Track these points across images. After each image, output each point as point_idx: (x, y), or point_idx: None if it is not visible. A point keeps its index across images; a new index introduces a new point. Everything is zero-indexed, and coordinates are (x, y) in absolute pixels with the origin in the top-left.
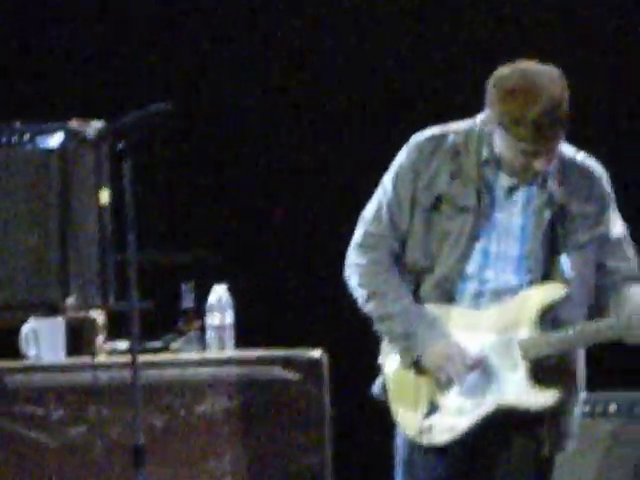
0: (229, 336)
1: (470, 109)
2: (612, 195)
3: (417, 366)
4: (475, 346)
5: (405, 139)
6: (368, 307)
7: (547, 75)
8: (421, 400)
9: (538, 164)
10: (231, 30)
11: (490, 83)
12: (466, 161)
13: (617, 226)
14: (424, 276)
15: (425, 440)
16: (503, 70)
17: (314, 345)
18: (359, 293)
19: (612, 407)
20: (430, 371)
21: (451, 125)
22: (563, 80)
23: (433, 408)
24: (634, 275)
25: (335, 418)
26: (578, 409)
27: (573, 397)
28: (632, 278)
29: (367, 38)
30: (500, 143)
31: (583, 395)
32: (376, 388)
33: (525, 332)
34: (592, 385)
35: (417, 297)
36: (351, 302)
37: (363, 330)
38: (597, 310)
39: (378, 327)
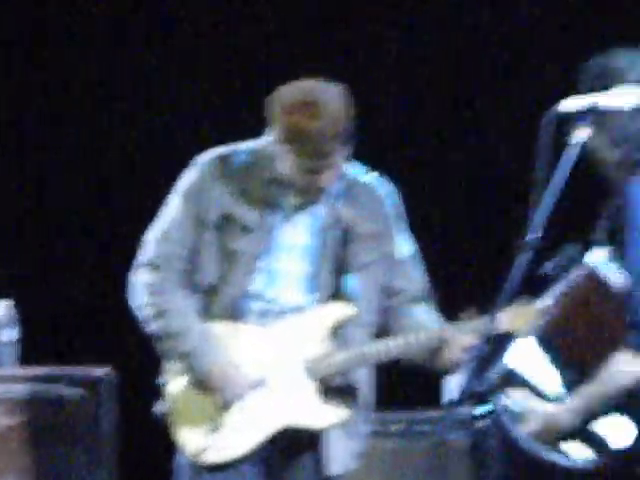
0: (13, 353)
1: None
2: (400, 215)
3: (201, 385)
4: (260, 365)
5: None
6: (153, 326)
7: (327, 91)
8: (204, 420)
9: (322, 181)
10: None
11: (271, 100)
12: (253, 180)
13: (404, 246)
14: (212, 295)
15: (203, 459)
16: (284, 87)
17: (105, 363)
18: (145, 312)
19: (394, 426)
20: (215, 386)
21: (238, 144)
22: (345, 97)
23: (214, 428)
24: (419, 296)
25: (123, 436)
26: (364, 428)
27: (358, 416)
28: (417, 299)
29: None
30: (284, 161)
31: (369, 414)
32: (158, 408)
33: (311, 351)
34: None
35: (207, 316)
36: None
37: (153, 348)
38: (383, 330)
39: (163, 346)
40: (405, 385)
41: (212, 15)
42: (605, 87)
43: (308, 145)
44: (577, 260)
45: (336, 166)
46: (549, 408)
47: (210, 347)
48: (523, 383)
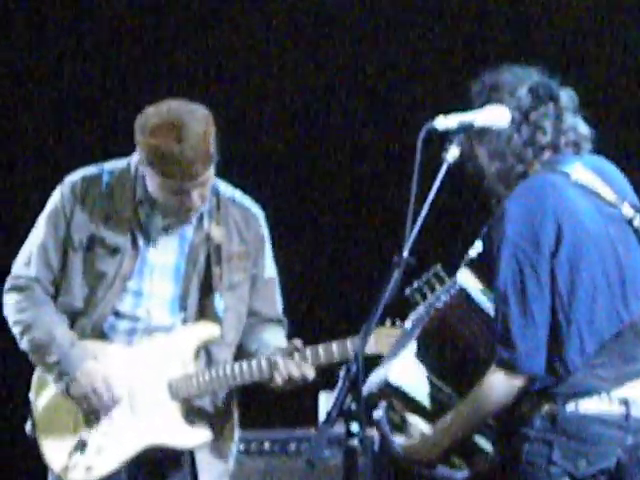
0: None
1: None
2: (268, 236)
3: (67, 396)
4: (125, 384)
5: None
6: (22, 342)
7: (191, 112)
8: (69, 436)
9: (190, 201)
10: None
11: (136, 122)
12: (120, 202)
13: (270, 268)
14: (81, 315)
15: (68, 478)
16: (149, 109)
17: None
18: (15, 331)
19: (267, 444)
20: (80, 394)
21: (106, 164)
22: (209, 117)
23: (79, 445)
24: (273, 318)
25: None
26: (233, 448)
27: (226, 436)
28: (271, 321)
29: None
30: (150, 182)
31: (237, 433)
32: (28, 426)
33: (175, 371)
34: (247, 424)
35: (75, 335)
36: None
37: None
38: (239, 351)
39: (33, 358)
40: (280, 403)
41: None
42: (496, 100)
43: (172, 167)
44: (444, 280)
45: (204, 187)
46: (424, 428)
47: (78, 355)
48: (403, 396)
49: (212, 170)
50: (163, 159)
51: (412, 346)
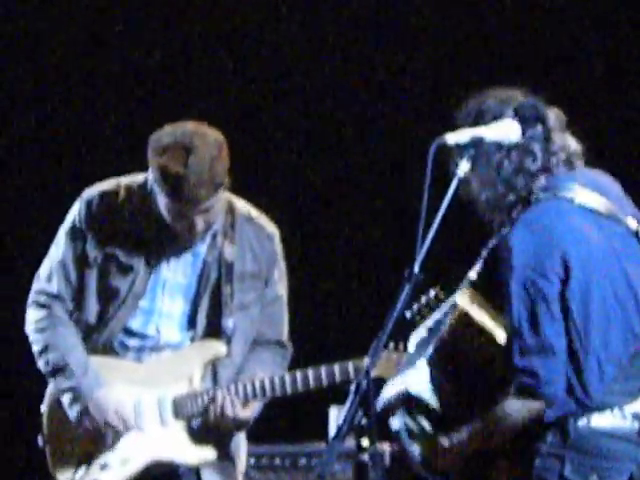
0: None
1: None
2: (281, 255)
3: (81, 419)
4: (133, 400)
5: None
6: (40, 362)
7: (203, 137)
8: (77, 452)
9: (193, 227)
10: None
11: (151, 139)
12: (135, 218)
13: (278, 287)
14: (93, 331)
15: None
16: (165, 127)
17: None
18: (34, 349)
19: (277, 459)
20: (92, 424)
21: (124, 179)
22: (222, 144)
23: (85, 460)
24: (272, 339)
25: None
26: (240, 464)
27: (233, 453)
28: (271, 342)
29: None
30: (160, 202)
31: (244, 449)
32: (40, 438)
33: (183, 388)
34: (258, 438)
35: (88, 351)
36: None
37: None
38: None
39: (49, 380)
40: (291, 418)
41: None
42: (483, 124)
43: (175, 190)
44: (444, 301)
45: (208, 213)
46: (440, 439)
47: (89, 385)
48: (423, 405)
49: (219, 196)
50: (168, 181)
51: (423, 362)
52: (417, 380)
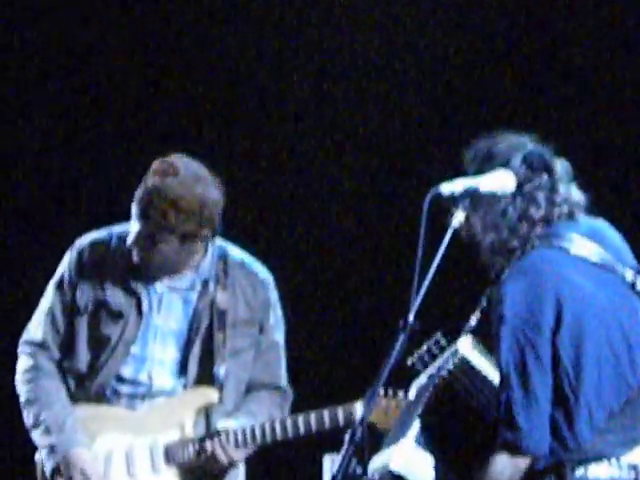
0: None
1: None
2: (276, 300)
3: (53, 476)
4: (123, 448)
5: None
6: (24, 414)
7: (197, 169)
8: None
9: (153, 255)
10: None
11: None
12: (125, 266)
13: (274, 332)
14: (84, 378)
15: None
16: (172, 157)
17: None
18: (20, 400)
19: None
20: None
21: (116, 228)
22: (216, 189)
23: None
24: (270, 384)
25: None
26: None
27: None
28: (266, 387)
29: None
30: (130, 235)
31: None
32: None
33: (175, 435)
34: None
35: (78, 398)
36: None
37: None
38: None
39: (31, 434)
40: (285, 466)
41: None
42: (490, 169)
43: (145, 201)
44: (445, 347)
45: (174, 245)
46: None
47: (62, 443)
48: None
49: (194, 233)
50: (143, 192)
51: (413, 430)
52: (401, 457)
